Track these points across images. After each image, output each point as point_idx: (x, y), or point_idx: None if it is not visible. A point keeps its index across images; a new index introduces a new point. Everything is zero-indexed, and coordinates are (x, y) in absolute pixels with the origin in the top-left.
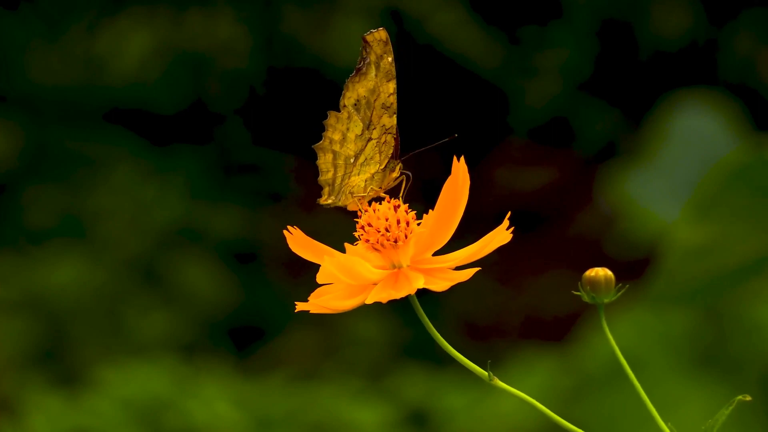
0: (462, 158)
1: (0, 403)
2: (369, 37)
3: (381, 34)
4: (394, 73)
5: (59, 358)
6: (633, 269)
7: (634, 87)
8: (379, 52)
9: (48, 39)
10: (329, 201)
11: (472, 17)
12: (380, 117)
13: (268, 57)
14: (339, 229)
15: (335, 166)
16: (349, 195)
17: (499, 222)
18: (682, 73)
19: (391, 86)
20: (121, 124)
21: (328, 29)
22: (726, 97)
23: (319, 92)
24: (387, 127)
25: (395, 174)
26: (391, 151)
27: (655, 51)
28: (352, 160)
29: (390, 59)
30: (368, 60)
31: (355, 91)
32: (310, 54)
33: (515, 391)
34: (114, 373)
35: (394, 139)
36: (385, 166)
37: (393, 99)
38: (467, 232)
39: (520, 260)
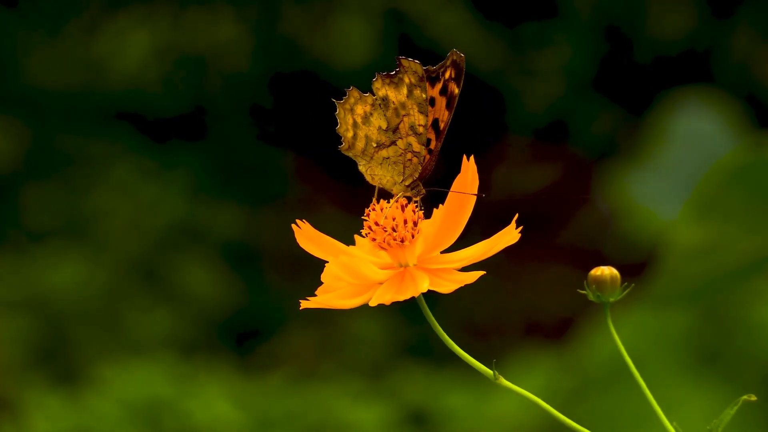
0: (472, 157)
1: (0, 403)
2: (404, 62)
3: (417, 67)
4: (426, 109)
5: (59, 358)
6: (633, 269)
7: (634, 86)
8: (413, 80)
9: (48, 38)
10: (350, 154)
11: (474, 16)
12: (408, 135)
13: (268, 57)
14: (339, 229)
15: (356, 135)
16: (378, 182)
17: (499, 221)
18: (682, 72)
19: (422, 118)
20: (122, 122)
21: (328, 29)
22: (726, 97)
23: (320, 92)
24: (414, 149)
25: (416, 199)
26: (417, 174)
27: (655, 51)
28: (374, 145)
29: (424, 96)
30: (401, 77)
31: (383, 90)
32: (310, 54)
33: (520, 390)
34: (114, 373)
35: (421, 165)
36: (410, 185)
37: (423, 130)
38: (466, 231)
39: (521, 260)
